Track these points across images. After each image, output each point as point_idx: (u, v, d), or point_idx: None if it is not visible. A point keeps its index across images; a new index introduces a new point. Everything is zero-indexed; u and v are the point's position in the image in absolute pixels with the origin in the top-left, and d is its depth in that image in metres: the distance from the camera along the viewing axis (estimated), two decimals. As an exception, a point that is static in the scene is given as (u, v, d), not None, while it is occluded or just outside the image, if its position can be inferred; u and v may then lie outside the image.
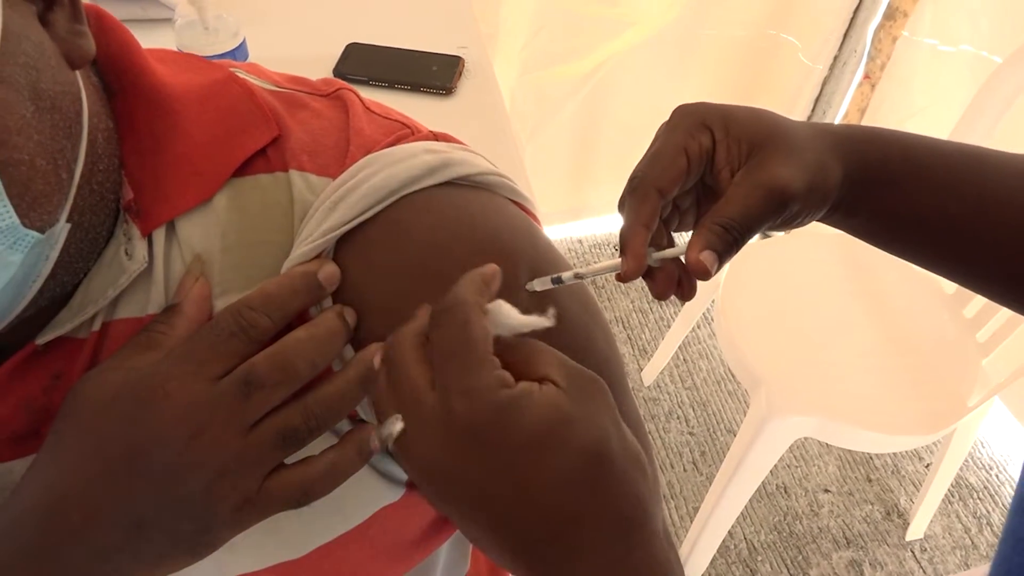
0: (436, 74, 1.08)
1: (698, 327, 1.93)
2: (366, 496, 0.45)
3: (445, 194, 0.43)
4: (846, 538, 1.60)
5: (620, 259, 0.45)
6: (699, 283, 0.48)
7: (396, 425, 0.36)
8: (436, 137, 0.46)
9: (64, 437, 0.37)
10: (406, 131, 0.45)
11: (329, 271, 0.40)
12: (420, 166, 0.42)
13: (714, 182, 0.47)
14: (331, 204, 0.41)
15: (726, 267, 1.30)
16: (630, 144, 1.90)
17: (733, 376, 1.83)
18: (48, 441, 0.37)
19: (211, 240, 0.41)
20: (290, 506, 0.39)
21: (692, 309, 1.60)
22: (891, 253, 0.52)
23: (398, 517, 0.47)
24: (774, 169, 0.45)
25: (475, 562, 0.63)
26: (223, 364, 0.37)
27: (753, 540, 1.59)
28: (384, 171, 0.42)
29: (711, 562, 1.52)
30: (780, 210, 0.45)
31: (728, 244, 0.44)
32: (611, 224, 2.13)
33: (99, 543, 0.36)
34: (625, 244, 0.45)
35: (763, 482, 1.66)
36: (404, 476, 0.46)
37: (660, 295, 0.47)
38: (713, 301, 1.39)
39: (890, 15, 1.63)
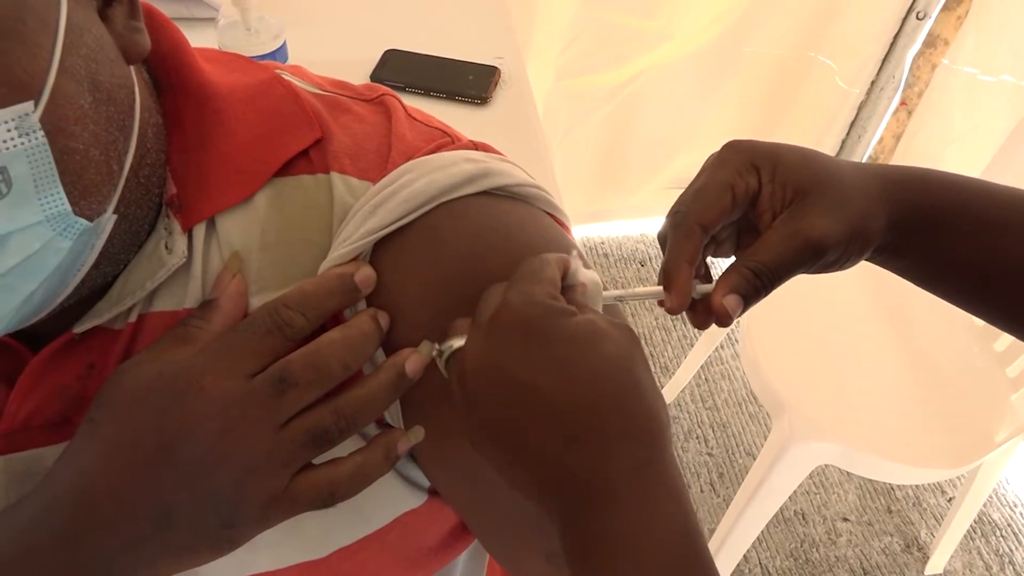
0: (472, 83, 1.08)
1: (721, 347, 1.92)
2: (388, 500, 0.45)
3: (483, 204, 0.44)
4: (863, 569, 1.57)
5: (661, 288, 0.46)
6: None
7: (457, 341, 0.38)
8: (476, 147, 0.47)
9: (98, 426, 0.38)
10: (446, 139, 0.46)
11: (365, 274, 0.40)
12: (460, 174, 0.42)
13: (756, 221, 0.48)
14: (371, 208, 0.41)
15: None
16: (658, 155, 1.91)
17: (755, 398, 1.82)
18: (82, 429, 0.38)
19: (250, 238, 0.41)
20: (316, 506, 0.39)
21: (716, 329, 1.59)
22: (939, 296, 0.52)
23: (419, 523, 0.47)
24: (813, 219, 0.45)
25: (491, 572, 0.63)
26: (258, 361, 0.38)
27: (768, 566, 1.57)
28: (424, 177, 0.42)
29: (725, 585, 1.50)
30: (814, 259, 0.45)
31: (755, 289, 0.45)
32: (629, 228, 2.16)
33: (127, 533, 0.37)
34: (671, 281, 0.46)
35: (781, 507, 1.64)
36: (427, 483, 0.46)
37: (700, 325, 0.48)
38: (738, 322, 1.38)
39: (930, 43, 1.61)
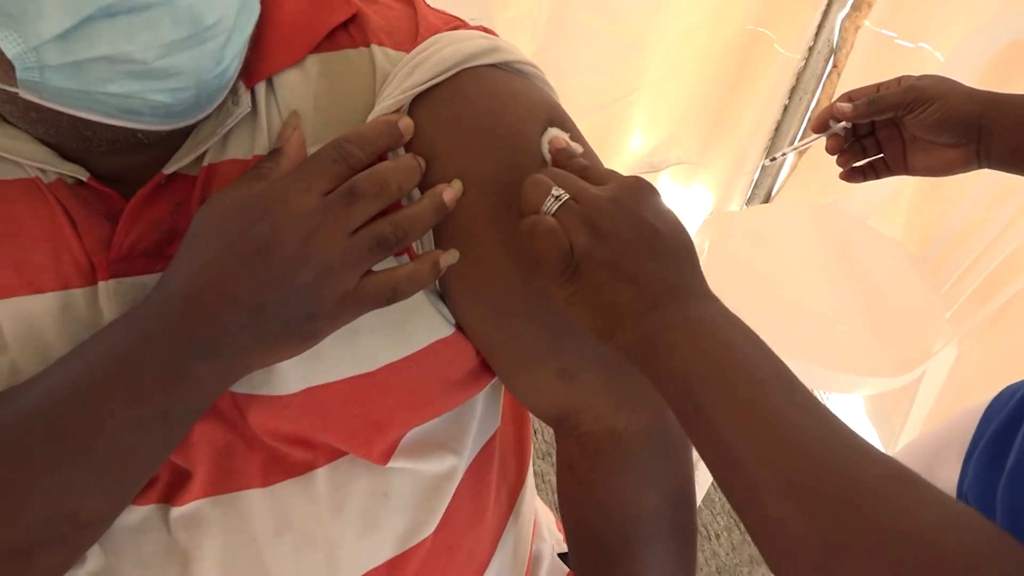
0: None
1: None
2: (425, 325, 0.54)
3: (495, 73, 0.54)
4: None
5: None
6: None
7: (564, 196, 0.49)
8: (482, 29, 0.57)
9: (199, 238, 0.46)
10: (460, 22, 0.57)
11: (407, 122, 0.50)
12: (478, 47, 0.53)
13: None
14: (408, 70, 0.51)
15: (708, 240, 1.41)
16: (615, 138, 2.01)
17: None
18: (185, 243, 0.47)
19: (305, 100, 0.51)
20: (380, 303, 0.48)
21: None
22: None
23: (448, 353, 0.56)
24: (919, 80, 0.77)
25: (503, 421, 0.72)
26: (328, 183, 0.47)
27: (709, 525, 1.68)
28: (450, 47, 0.52)
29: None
30: (912, 101, 0.75)
31: (867, 103, 0.78)
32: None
33: (228, 322, 0.45)
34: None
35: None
36: (453, 319, 0.56)
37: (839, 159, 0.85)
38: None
39: (857, 5, 1.76)
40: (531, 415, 0.67)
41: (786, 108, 2.02)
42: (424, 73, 0.51)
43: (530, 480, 0.74)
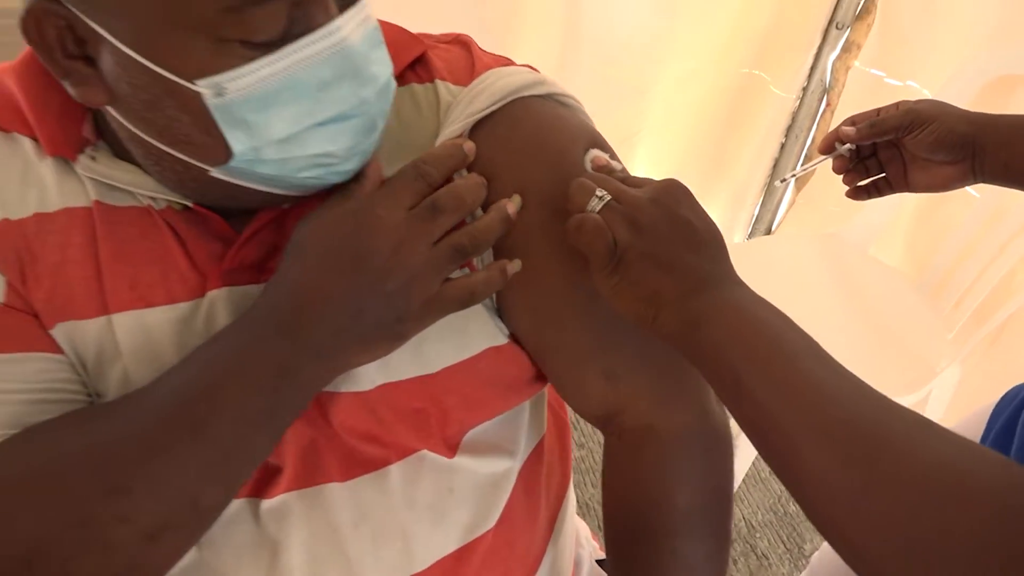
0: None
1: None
2: (482, 333, 0.60)
3: (541, 102, 0.61)
4: (836, 517, 1.74)
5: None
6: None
7: (606, 197, 0.54)
8: (528, 67, 0.64)
9: (302, 248, 0.52)
10: (508, 60, 0.64)
11: (470, 145, 0.57)
12: (527, 80, 0.60)
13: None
14: (468, 99, 0.58)
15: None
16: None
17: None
18: (287, 255, 0.52)
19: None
20: (458, 306, 0.54)
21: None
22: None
23: (500, 359, 0.61)
24: (917, 103, 0.82)
25: (547, 433, 0.77)
26: (412, 199, 0.53)
27: (751, 520, 1.72)
28: (503, 80, 0.59)
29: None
30: (910, 124, 0.80)
31: (868, 125, 0.83)
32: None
33: (332, 323, 0.50)
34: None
35: (756, 468, 1.80)
36: (507, 331, 0.61)
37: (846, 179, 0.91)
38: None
39: (847, 47, 1.86)
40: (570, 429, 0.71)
41: (783, 146, 2.10)
42: (482, 102, 0.58)
43: (571, 489, 0.79)
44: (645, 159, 2.08)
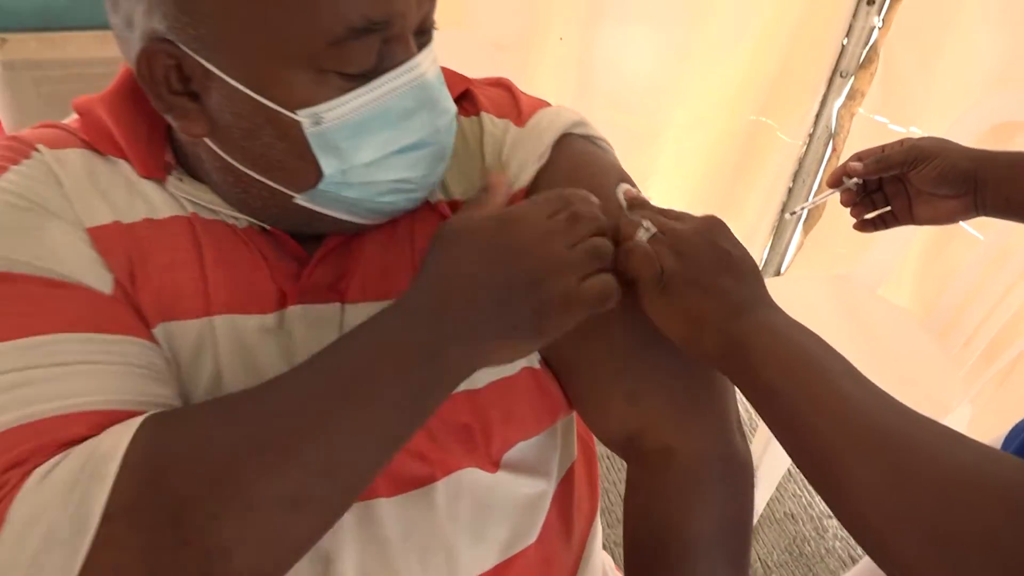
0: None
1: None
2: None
3: (579, 140, 0.67)
4: (851, 557, 1.74)
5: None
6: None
7: (653, 229, 0.59)
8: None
9: (448, 246, 0.54)
10: (545, 102, 0.69)
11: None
12: (572, 119, 0.66)
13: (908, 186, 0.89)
14: (537, 135, 0.64)
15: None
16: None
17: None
18: (434, 252, 0.55)
19: None
20: (598, 303, 0.54)
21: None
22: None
23: (535, 380, 0.65)
24: (921, 140, 0.85)
25: (577, 460, 0.79)
26: (551, 208, 0.56)
27: (767, 560, 1.72)
28: (555, 121, 0.66)
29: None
30: (913, 159, 0.84)
31: (875, 161, 0.86)
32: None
33: (477, 311, 0.52)
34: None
35: (772, 509, 1.81)
36: (539, 355, 0.65)
37: (854, 212, 0.95)
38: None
39: (851, 95, 1.92)
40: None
41: (790, 190, 2.16)
42: (543, 140, 0.64)
43: (599, 518, 0.81)
44: (656, 202, 2.09)
